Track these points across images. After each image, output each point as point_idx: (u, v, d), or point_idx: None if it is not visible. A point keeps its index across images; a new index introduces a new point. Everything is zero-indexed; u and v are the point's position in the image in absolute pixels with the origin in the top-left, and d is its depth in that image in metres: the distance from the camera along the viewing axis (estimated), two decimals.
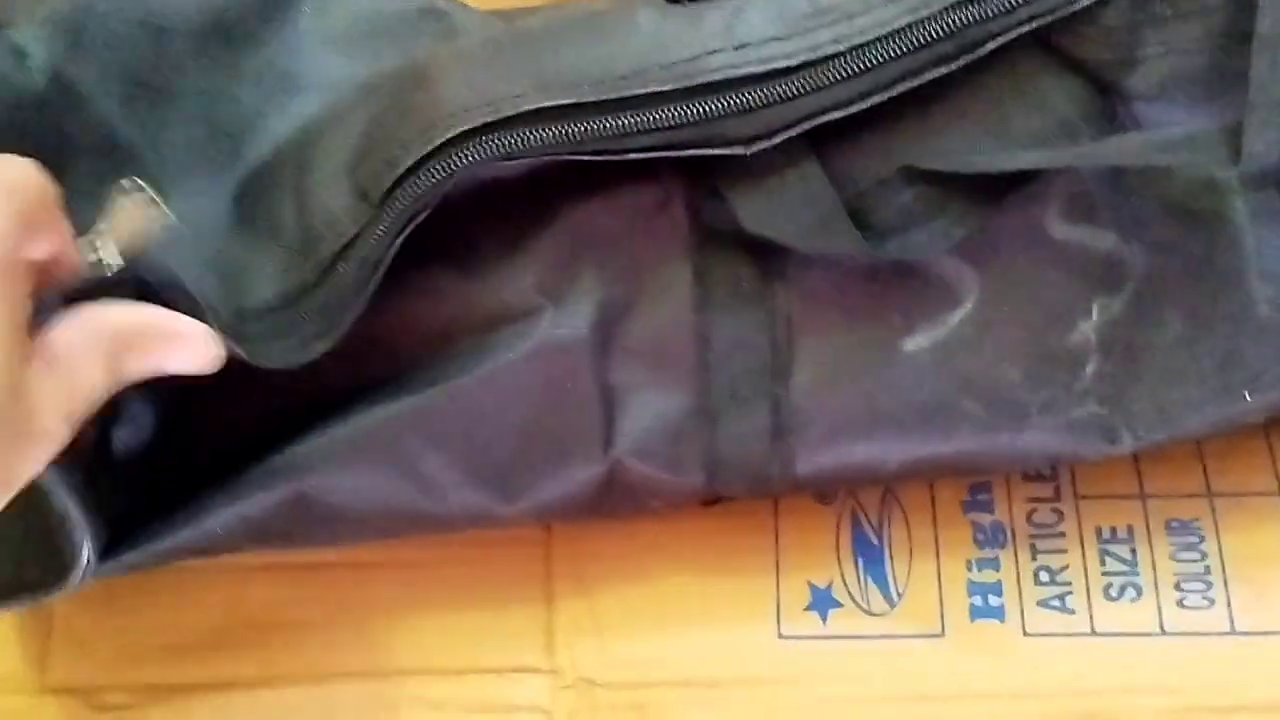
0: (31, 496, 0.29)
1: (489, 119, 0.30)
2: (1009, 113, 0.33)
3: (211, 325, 0.29)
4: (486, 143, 0.30)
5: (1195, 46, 0.32)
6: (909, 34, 0.31)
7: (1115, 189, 0.33)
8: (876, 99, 0.31)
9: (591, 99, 0.31)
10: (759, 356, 0.34)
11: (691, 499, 0.36)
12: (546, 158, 0.31)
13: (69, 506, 0.30)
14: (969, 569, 0.37)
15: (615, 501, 0.35)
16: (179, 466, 0.34)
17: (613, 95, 0.31)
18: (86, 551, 0.31)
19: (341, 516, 0.34)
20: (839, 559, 0.38)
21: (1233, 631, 0.36)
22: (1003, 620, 0.37)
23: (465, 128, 0.30)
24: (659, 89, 0.31)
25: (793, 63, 0.31)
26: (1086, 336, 0.33)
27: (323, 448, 0.33)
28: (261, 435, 0.34)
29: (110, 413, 0.33)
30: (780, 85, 0.31)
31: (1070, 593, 0.37)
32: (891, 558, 0.38)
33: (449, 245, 0.33)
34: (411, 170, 0.31)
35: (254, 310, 0.32)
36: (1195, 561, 0.37)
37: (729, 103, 0.31)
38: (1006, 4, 0.31)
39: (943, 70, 0.31)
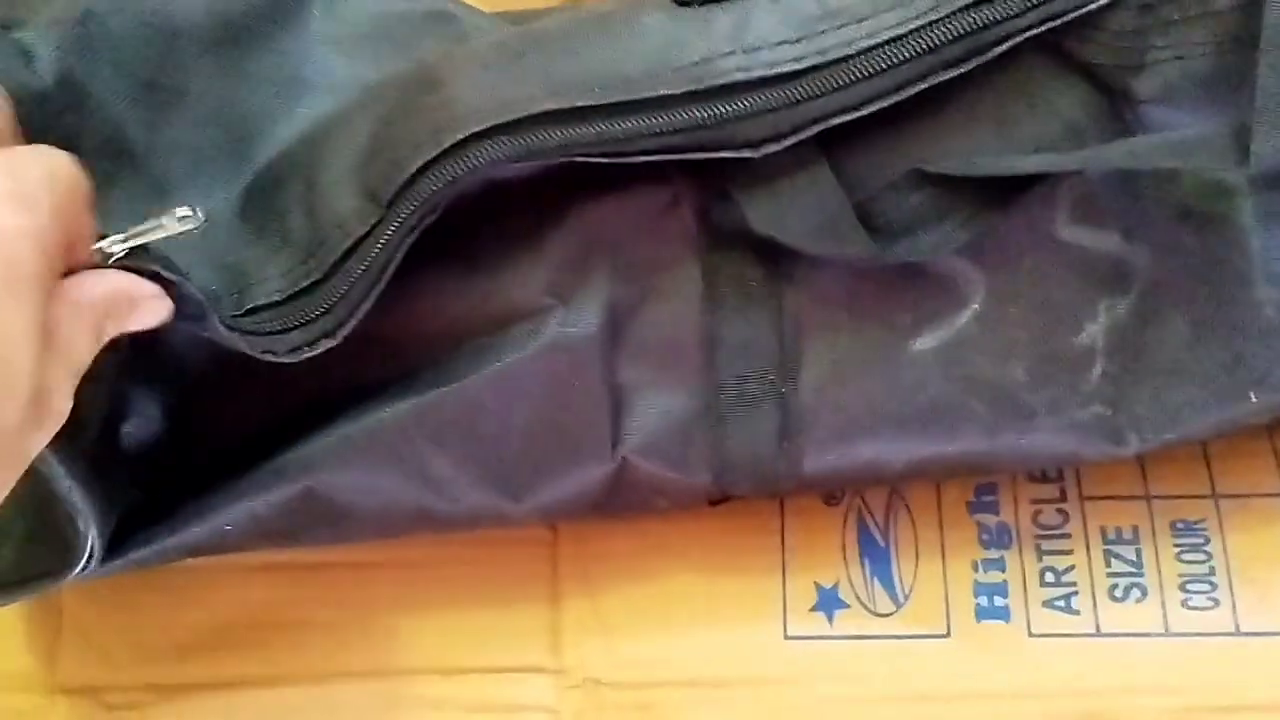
0: (36, 487, 0.30)
1: (499, 121, 0.30)
2: (1017, 116, 0.33)
3: (217, 320, 0.30)
4: (496, 145, 0.30)
5: (1202, 50, 0.32)
6: (918, 37, 0.31)
7: (1122, 191, 0.33)
8: (885, 102, 0.31)
9: (601, 101, 0.31)
10: (767, 356, 0.34)
11: (698, 498, 0.36)
12: (556, 160, 0.31)
13: (73, 492, 0.30)
14: (974, 570, 0.38)
15: (622, 500, 0.35)
16: (188, 464, 0.35)
17: (622, 98, 0.31)
18: (91, 538, 0.31)
19: (349, 515, 0.34)
20: (845, 559, 0.38)
21: (1237, 632, 0.36)
22: (1008, 621, 0.37)
23: (475, 130, 0.30)
24: (669, 92, 0.31)
25: (801, 66, 0.31)
26: (1093, 338, 0.34)
27: (331, 446, 0.33)
28: (270, 433, 0.34)
29: (117, 407, 0.33)
30: (789, 88, 0.31)
31: (1075, 593, 0.37)
32: (897, 558, 0.38)
33: (458, 245, 0.33)
34: (421, 172, 0.31)
35: (260, 306, 0.32)
36: (1200, 563, 0.37)
37: (738, 106, 0.31)
38: (1014, 8, 0.31)
39: (951, 74, 0.31)
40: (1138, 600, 0.37)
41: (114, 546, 0.33)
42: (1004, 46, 0.31)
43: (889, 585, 0.38)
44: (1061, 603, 0.37)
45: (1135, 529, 0.38)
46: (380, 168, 0.32)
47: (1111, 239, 0.33)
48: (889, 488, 0.39)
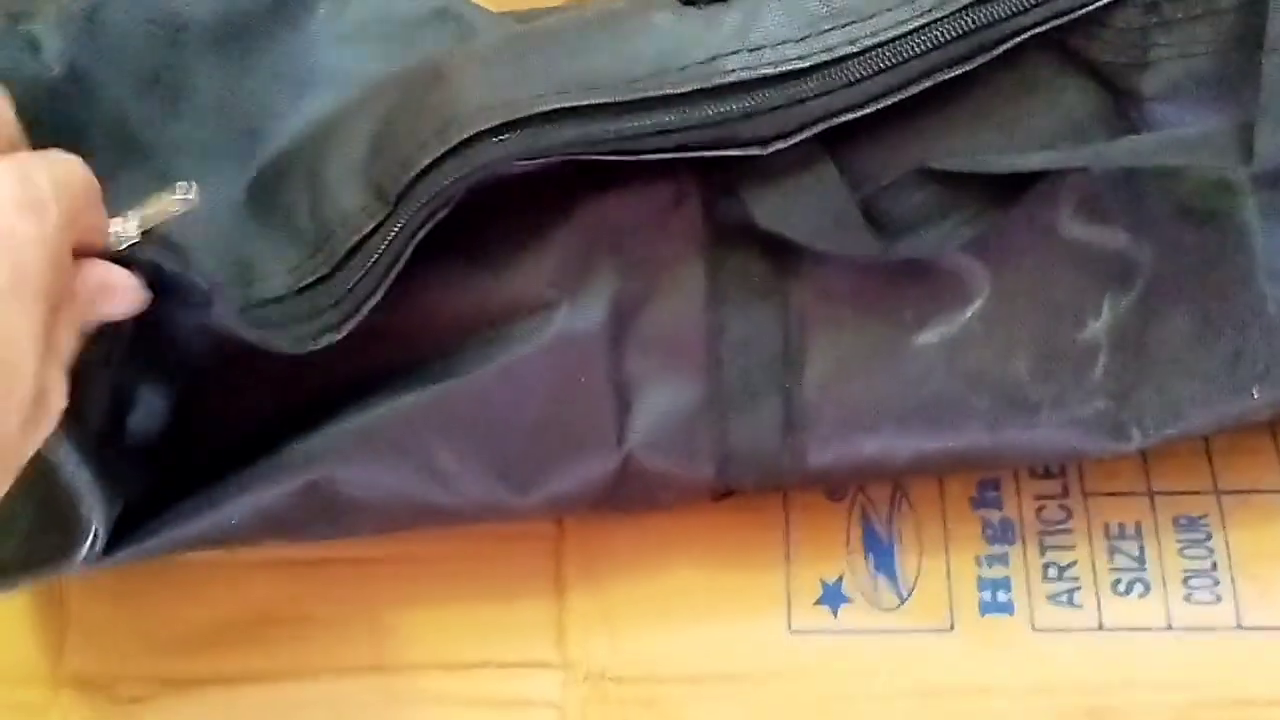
0: (42, 476, 0.30)
1: (506, 119, 0.31)
2: (1022, 113, 0.33)
3: (224, 308, 0.30)
4: (503, 143, 0.31)
5: (1207, 48, 0.32)
6: (923, 35, 0.31)
7: (1126, 188, 0.34)
8: (891, 100, 0.31)
9: (608, 100, 0.31)
10: (771, 351, 0.34)
11: (703, 492, 0.36)
12: (563, 158, 0.32)
13: (76, 477, 0.30)
14: (978, 565, 0.38)
15: (627, 494, 0.36)
16: (194, 456, 0.35)
17: (629, 97, 0.31)
18: (95, 523, 0.31)
19: (356, 507, 0.35)
20: (849, 554, 0.38)
21: (1239, 627, 0.36)
22: (1012, 615, 0.37)
23: (482, 128, 0.31)
24: (675, 91, 0.31)
25: (807, 64, 0.31)
26: (1096, 334, 0.34)
27: (338, 439, 0.33)
28: (276, 426, 0.34)
29: (121, 397, 0.33)
30: (795, 87, 0.31)
31: (1079, 588, 0.37)
32: (901, 553, 0.38)
33: (464, 239, 0.33)
34: (428, 169, 0.31)
35: (267, 300, 0.32)
36: (1203, 558, 0.37)
37: (744, 104, 0.31)
38: (1018, 5, 0.31)
39: (956, 71, 0.32)
40: (1140, 595, 0.37)
41: (121, 536, 0.33)
42: (1009, 44, 0.32)
43: (893, 580, 0.38)
44: (1065, 598, 0.37)
45: (1138, 524, 0.38)
46: (386, 164, 0.32)
47: (1115, 235, 0.34)
48: (892, 483, 0.39)
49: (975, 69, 0.32)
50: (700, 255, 0.34)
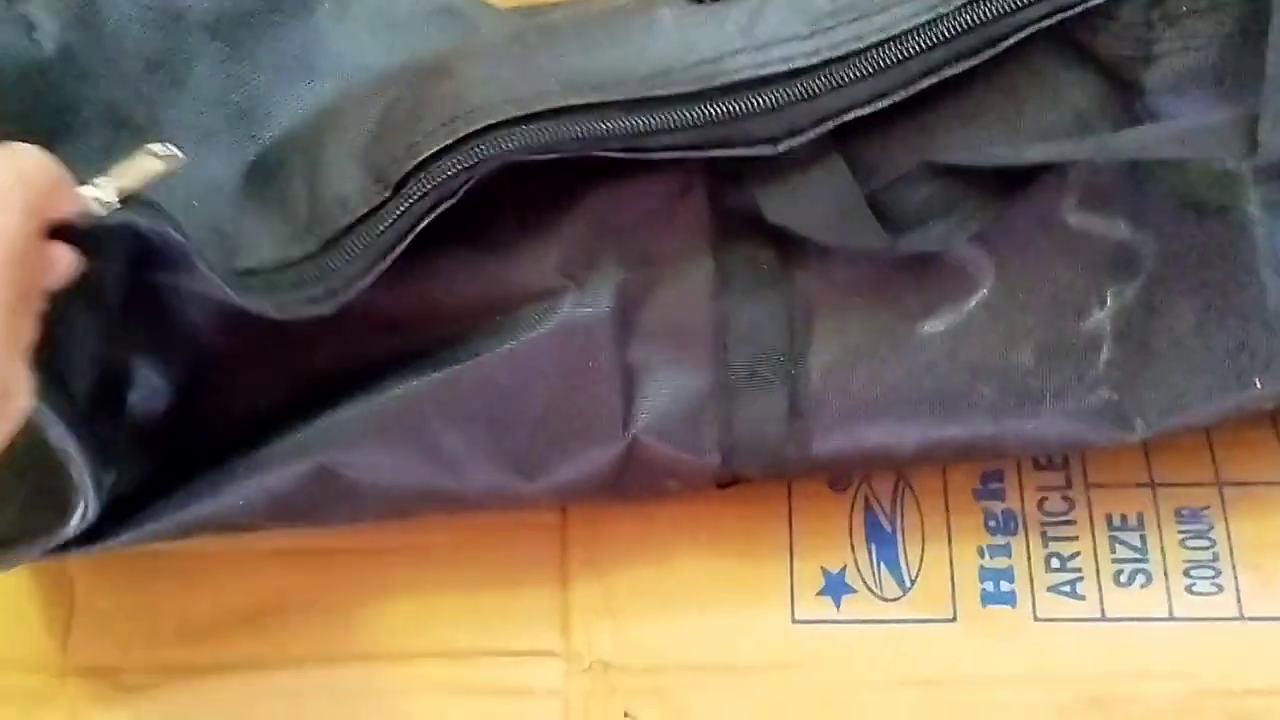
0: (36, 450, 0.30)
1: (514, 115, 0.31)
2: (1027, 106, 0.33)
3: (205, 267, 0.30)
4: (511, 138, 0.31)
5: (1211, 42, 0.32)
6: (928, 30, 0.31)
7: (1130, 180, 0.34)
8: (898, 96, 0.32)
9: (615, 99, 0.31)
10: (777, 339, 0.34)
11: (707, 480, 0.37)
12: (571, 154, 0.32)
13: (65, 442, 0.30)
14: (981, 555, 0.38)
15: (632, 481, 0.36)
16: (202, 437, 0.35)
17: (637, 95, 0.31)
18: (87, 487, 0.31)
19: (362, 492, 0.35)
20: (852, 545, 0.38)
21: (1241, 617, 0.36)
22: (1014, 606, 0.37)
23: (489, 122, 0.31)
24: (682, 90, 0.31)
25: (814, 61, 0.31)
26: (1100, 324, 0.34)
27: (345, 423, 0.34)
28: (285, 409, 0.34)
29: (116, 373, 0.33)
30: (802, 84, 0.31)
31: (1081, 579, 0.37)
32: (904, 544, 0.38)
33: (472, 226, 0.34)
34: (432, 159, 0.31)
35: (249, 270, 0.32)
36: (1204, 549, 0.37)
37: (752, 103, 0.31)
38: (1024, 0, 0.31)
39: (963, 66, 0.32)
40: (1142, 585, 0.37)
41: (127, 517, 0.34)
42: (1015, 38, 0.32)
43: (895, 570, 0.38)
44: (1067, 588, 0.37)
45: (1140, 515, 0.38)
46: (388, 151, 0.32)
47: (1119, 226, 0.34)
48: (896, 474, 0.39)
49: (982, 63, 0.32)
50: (706, 245, 0.34)
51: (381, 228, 0.31)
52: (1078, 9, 0.32)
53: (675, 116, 0.31)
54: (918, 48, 0.31)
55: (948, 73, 0.32)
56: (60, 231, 0.27)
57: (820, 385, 0.34)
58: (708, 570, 0.38)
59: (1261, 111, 0.30)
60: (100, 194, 0.28)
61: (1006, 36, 0.32)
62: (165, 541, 0.35)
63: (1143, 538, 0.38)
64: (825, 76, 0.31)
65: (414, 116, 0.32)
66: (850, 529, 0.39)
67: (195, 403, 0.34)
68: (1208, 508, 0.38)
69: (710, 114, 0.31)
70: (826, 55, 0.31)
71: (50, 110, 0.32)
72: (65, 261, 0.27)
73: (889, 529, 0.38)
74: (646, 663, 0.38)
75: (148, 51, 0.35)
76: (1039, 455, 0.39)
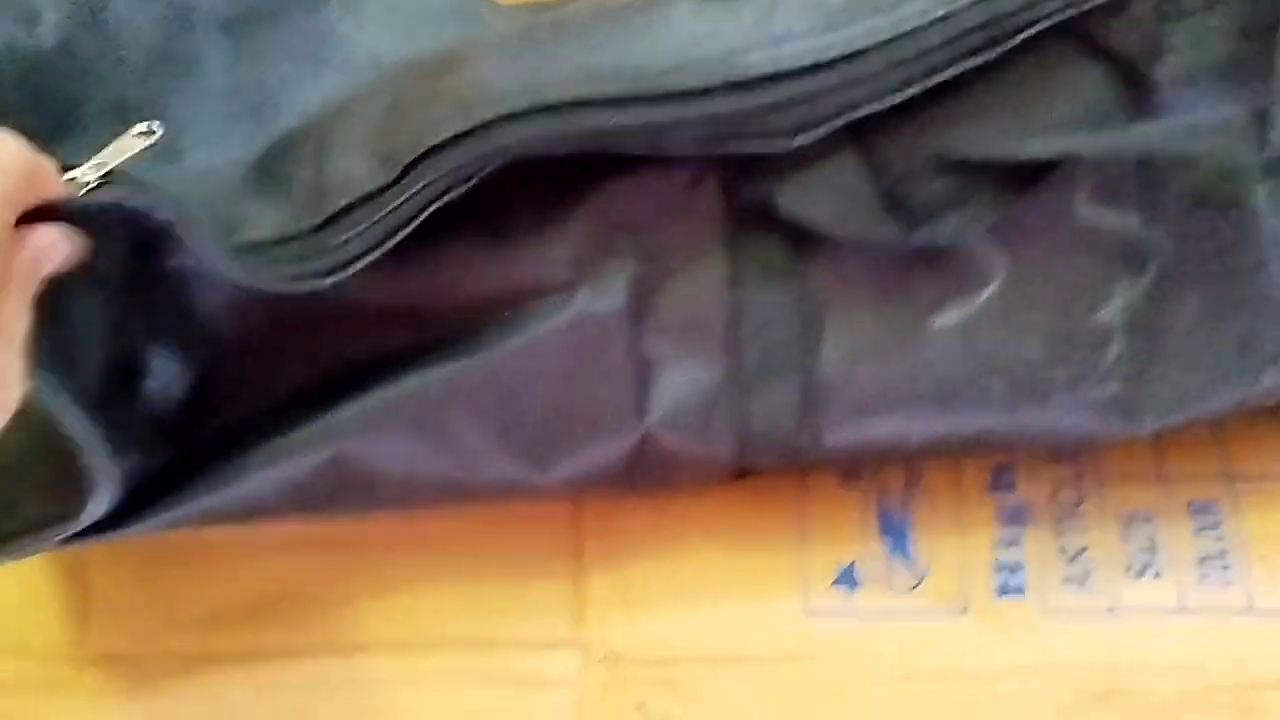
0: (51, 438, 0.30)
1: (529, 106, 0.31)
2: (1038, 100, 0.33)
3: (202, 246, 0.30)
4: (525, 129, 0.31)
5: (1221, 37, 0.32)
6: (942, 26, 0.32)
7: (1140, 175, 0.34)
8: (912, 91, 0.32)
9: (630, 92, 0.31)
10: (789, 332, 0.34)
11: (721, 472, 0.37)
12: (585, 148, 0.32)
13: (78, 428, 0.31)
14: (992, 547, 0.38)
15: (646, 473, 0.36)
16: (218, 427, 0.35)
17: (652, 90, 0.31)
18: (101, 470, 0.31)
19: (379, 483, 0.35)
20: (865, 537, 0.39)
21: (1251, 610, 0.37)
22: (1025, 598, 0.37)
23: (503, 112, 0.31)
24: (698, 84, 0.31)
25: (829, 56, 0.31)
26: (1110, 317, 0.34)
27: (361, 414, 0.34)
28: (301, 400, 0.35)
29: (130, 359, 0.33)
30: (817, 80, 0.31)
31: (1092, 572, 0.37)
32: (916, 536, 0.38)
33: (485, 218, 0.34)
34: (445, 145, 0.31)
35: (248, 243, 0.32)
36: (1215, 542, 0.37)
37: (766, 98, 0.31)
38: None
39: (975, 60, 0.32)
40: (1153, 578, 0.37)
41: (144, 505, 0.34)
42: (1027, 33, 0.32)
43: (908, 562, 0.38)
44: (1078, 581, 0.37)
45: (1151, 509, 0.38)
46: (396, 137, 0.32)
47: (1129, 221, 0.34)
48: (907, 467, 0.39)
49: (993, 58, 0.32)
50: (719, 238, 0.34)
51: (385, 210, 0.31)
52: (1090, 4, 0.32)
53: (690, 111, 0.31)
54: (931, 43, 0.32)
55: (961, 67, 0.32)
56: (49, 217, 0.27)
57: (833, 378, 0.34)
58: (721, 562, 0.39)
59: (1270, 106, 0.31)
60: (83, 177, 0.28)
61: (1019, 31, 0.32)
62: (182, 529, 0.35)
63: (1153, 531, 0.38)
64: (840, 73, 0.31)
65: (425, 105, 0.32)
66: (863, 521, 0.39)
67: (213, 391, 0.35)
68: (1218, 501, 0.38)
69: (725, 109, 0.31)
70: (840, 51, 0.31)
71: (54, 105, 0.32)
72: (59, 246, 0.27)
73: (901, 521, 0.39)
74: (660, 654, 0.38)
75: (156, 44, 0.35)
76: (1050, 448, 0.39)
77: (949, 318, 0.34)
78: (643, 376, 0.34)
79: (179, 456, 0.34)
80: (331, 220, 0.31)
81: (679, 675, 0.38)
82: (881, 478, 0.39)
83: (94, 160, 0.28)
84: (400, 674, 0.39)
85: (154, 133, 0.29)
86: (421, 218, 0.31)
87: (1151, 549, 0.38)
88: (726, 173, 0.34)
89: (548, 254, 0.34)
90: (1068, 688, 0.36)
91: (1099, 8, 0.32)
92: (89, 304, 0.31)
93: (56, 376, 0.29)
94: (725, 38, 0.32)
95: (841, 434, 0.35)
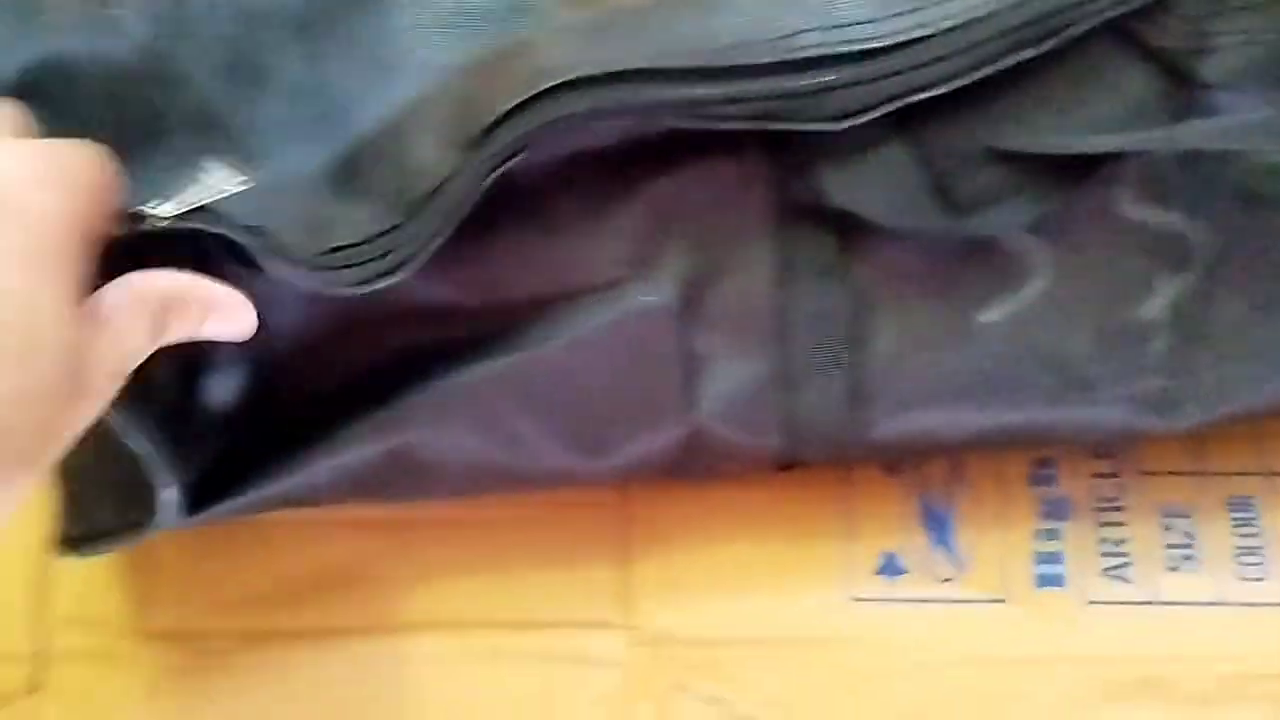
0: (123, 445, 0.31)
1: (591, 73, 0.31)
2: (1087, 96, 0.34)
3: (284, 259, 0.31)
4: (585, 96, 0.31)
5: (1269, 35, 0.33)
6: (995, 20, 0.32)
7: (1186, 172, 0.34)
8: (962, 81, 0.32)
9: (690, 65, 0.31)
10: (837, 327, 0.35)
11: (767, 463, 0.38)
12: (642, 123, 0.32)
13: (148, 451, 0.32)
14: (1033, 539, 0.39)
15: (694, 463, 0.37)
16: (280, 419, 0.36)
17: (711, 64, 0.31)
18: (168, 494, 0.33)
19: (436, 471, 0.36)
20: (908, 528, 0.39)
21: None
22: (1065, 589, 0.38)
23: (565, 78, 0.31)
24: (755, 61, 0.31)
25: (883, 44, 0.32)
26: (1156, 313, 0.35)
27: (420, 406, 0.35)
28: (359, 394, 0.35)
29: (196, 365, 0.34)
30: (870, 66, 0.32)
31: (1131, 564, 0.38)
32: (958, 527, 0.39)
33: (536, 215, 0.34)
34: (510, 115, 0.31)
35: (335, 247, 0.32)
36: (1253, 536, 0.38)
37: (820, 79, 0.32)
38: None
39: (1027, 54, 0.32)
40: (1191, 571, 0.38)
41: (207, 497, 0.35)
42: (1079, 29, 0.32)
43: (949, 553, 0.39)
44: (1117, 573, 0.38)
45: (1190, 503, 0.39)
46: (468, 119, 0.32)
47: (1175, 217, 0.34)
48: (950, 460, 0.40)
49: (1042, 53, 0.33)
50: (768, 233, 0.35)
51: (458, 183, 0.32)
52: (1139, 2, 0.33)
53: (746, 87, 0.31)
54: (983, 36, 0.32)
55: (1011, 60, 0.32)
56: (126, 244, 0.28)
57: (879, 372, 0.35)
58: (765, 549, 0.39)
59: None
60: (154, 211, 0.28)
61: (1069, 27, 0.33)
62: (244, 516, 0.36)
63: (1192, 525, 0.38)
64: (893, 60, 0.32)
65: (494, 88, 0.32)
66: (906, 512, 0.39)
67: (273, 389, 0.36)
68: (1256, 496, 0.38)
69: (779, 88, 0.31)
70: (897, 39, 0.32)
71: (136, 117, 0.33)
72: (240, 308, 0.29)
73: (944, 513, 0.39)
74: (704, 637, 0.39)
75: (232, 50, 0.35)
76: (1091, 443, 0.39)
77: (996, 312, 0.35)
78: (692, 370, 0.35)
79: (239, 449, 0.35)
80: (415, 211, 0.32)
81: (721, 657, 0.39)
82: (924, 470, 0.40)
83: (173, 202, 0.29)
84: (450, 652, 0.40)
85: (248, 181, 0.29)
86: (480, 191, 0.32)
87: (1190, 543, 0.38)
88: (775, 168, 0.35)
89: (598, 250, 0.34)
90: (1105, 676, 0.37)
91: (1147, 6, 0.33)
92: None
93: (132, 406, 0.29)
94: (785, 21, 0.32)
95: (888, 427, 0.36)
